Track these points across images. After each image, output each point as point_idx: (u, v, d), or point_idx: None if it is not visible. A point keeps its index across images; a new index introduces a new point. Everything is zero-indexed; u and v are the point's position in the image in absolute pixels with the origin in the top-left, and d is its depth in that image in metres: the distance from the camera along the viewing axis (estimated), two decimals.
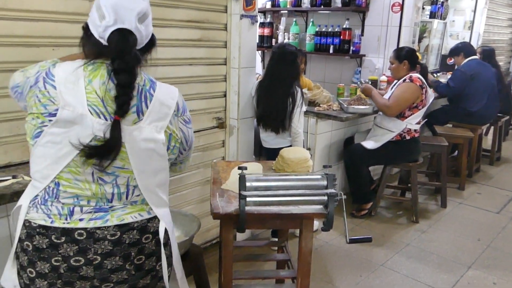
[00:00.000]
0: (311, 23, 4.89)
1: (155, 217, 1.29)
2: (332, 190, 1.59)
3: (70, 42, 1.98)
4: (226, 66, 2.81)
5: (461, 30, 6.50)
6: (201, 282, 1.86)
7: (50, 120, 1.16)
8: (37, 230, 1.18)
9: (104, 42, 1.20)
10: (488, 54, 4.86)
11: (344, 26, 4.65)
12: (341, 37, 4.69)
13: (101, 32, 1.20)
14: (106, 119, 1.18)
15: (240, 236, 3.04)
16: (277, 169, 2.00)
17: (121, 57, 1.18)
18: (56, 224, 1.18)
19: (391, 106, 3.36)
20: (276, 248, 2.62)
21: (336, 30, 4.73)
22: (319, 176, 1.64)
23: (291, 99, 2.82)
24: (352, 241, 1.66)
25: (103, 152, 1.17)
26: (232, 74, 2.81)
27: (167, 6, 2.36)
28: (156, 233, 1.29)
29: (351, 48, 4.67)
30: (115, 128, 1.17)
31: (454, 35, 6.48)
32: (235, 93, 2.83)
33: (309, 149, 3.44)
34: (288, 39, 5.10)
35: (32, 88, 1.20)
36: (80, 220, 1.20)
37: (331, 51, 4.76)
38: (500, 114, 5.02)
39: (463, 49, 4.71)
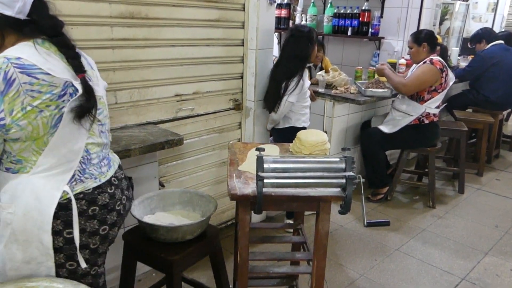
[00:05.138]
0: (329, 5, 4.79)
1: None
2: (351, 173, 1.56)
3: (86, 21, 1.98)
4: (243, 47, 2.78)
5: (484, 12, 6.30)
6: (217, 263, 1.87)
7: (63, 101, 1.21)
8: (95, 192, 1.33)
9: (23, 17, 1.19)
10: (507, 38, 4.67)
11: (363, 8, 4.55)
12: (360, 19, 4.59)
13: (20, 7, 1.18)
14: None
15: (255, 218, 3.06)
16: (294, 151, 1.99)
17: (57, 29, 1.26)
18: (103, 180, 1.36)
19: (408, 84, 3.30)
20: (291, 230, 2.63)
21: (355, 11, 4.62)
22: (337, 159, 1.62)
23: (285, 84, 2.76)
24: (370, 224, 1.65)
25: (88, 105, 1.28)
26: (249, 56, 2.78)
27: None
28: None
29: (370, 30, 4.57)
30: (84, 83, 1.27)
31: (477, 17, 6.29)
32: (252, 74, 2.80)
33: (325, 132, 3.41)
34: (306, 20, 5.01)
35: (8, 92, 1.13)
36: (107, 171, 1.40)
37: (349, 33, 4.67)
38: None
39: (484, 35, 4.58)
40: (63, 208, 1.25)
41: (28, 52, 1.18)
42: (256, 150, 1.58)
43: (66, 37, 1.28)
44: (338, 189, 1.63)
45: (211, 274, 1.95)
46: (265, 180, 1.54)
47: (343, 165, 1.59)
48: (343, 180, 1.57)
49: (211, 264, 1.87)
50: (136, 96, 2.29)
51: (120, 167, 1.51)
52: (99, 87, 1.38)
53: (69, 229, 1.27)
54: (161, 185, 2.38)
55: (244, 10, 2.70)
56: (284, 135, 2.88)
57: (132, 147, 1.94)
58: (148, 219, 1.79)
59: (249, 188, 1.61)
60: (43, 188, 1.24)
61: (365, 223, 1.63)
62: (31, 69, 1.15)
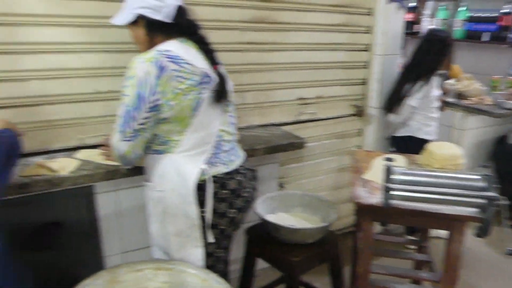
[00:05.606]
0: (463, 8, 4.42)
1: None
2: (493, 194, 1.42)
3: (220, 25, 2.12)
4: (368, 52, 2.71)
5: None
6: (335, 270, 1.84)
7: (203, 88, 1.39)
8: (225, 177, 1.45)
9: (169, 20, 1.39)
10: None
11: (503, 11, 4.10)
12: (499, 23, 4.15)
13: (167, 12, 1.38)
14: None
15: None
16: (423, 164, 1.87)
17: (195, 30, 1.45)
18: (232, 167, 1.49)
19: None
20: (411, 246, 2.48)
21: (492, 15, 4.19)
22: (476, 177, 1.48)
23: (409, 86, 2.60)
24: None
25: (223, 91, 1.45)
26: (375, 61, 2.70)
27: None
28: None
29: (511, 36, 4.10)
30: (218, 73, 1.45)
31: None
32: (376, 81, 2.71)
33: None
34: (434, 25, 4.69)
35: (161, 76, 1.31)
36: (235, 159, 1.52)
37: (484, 38, 4.25)
38: None
39: None
40: (199, 189, 1.39)
41: (174, 46, 1.37)
42: (384, 160, 1.53)
43: (203, 36, 1.46)
44: (475, 209, 1.49)
45: (325, 281, 1.92)
46: (393, 192, 1.48)
47: (482, 184, 1.45)
48: (482, 200, 1.43)
49: (329, 270, 1.85)
50: (261, 98, 2.36)
51: (246, 159, 1.61)
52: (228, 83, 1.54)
53: (203, 208, 1.41)
54: (281, 186, 2.42)
55: (371, 14, 2.63)
56: (403, 144, 2.74)
57: (257, 147, 2.01)
58: (270, 218, 1.83)
59: (375, 198, 1.56)
60: (184, 165, 1.40)
61: (508, 251, 1.46)
62: (177, 59, 1.34)
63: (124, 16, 1.41)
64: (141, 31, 1.42)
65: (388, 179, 1.48)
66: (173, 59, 1.33)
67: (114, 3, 1.75)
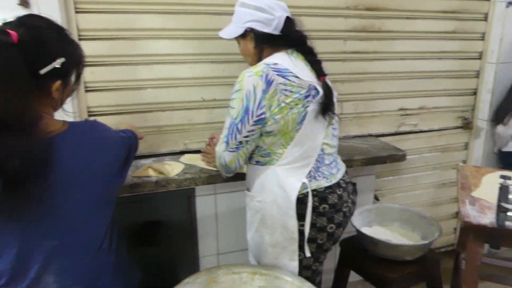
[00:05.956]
0: None
1: None
2: None
3: (323, 35, 2.12)
4: (480, 60, 2.52)
5: None
6: None
7: (308, 101, 1.36)
8: (326, 191, 1.42)
9: (277, 33, 1.39)
10: None
11: None
12: None
13: (276, 24, 1.38)
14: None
15: None
16: None
17: (303, 41, 1.43)
18: (333, 181, 1.45)
19: None
20: None
21: None
22: None
23: None
24: None
25: (329, 104, 1.41)
26: (487, 70, 2.51)
27: None
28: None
29: None
30: (325, 85, 1.41)
31: None
32: (488, 91, 2.51)
33: None
34: None
35: (268, 90, 1.31)
36: (336, 173, 1.48)
37: None
38: None
39: None
40: (299, 202, 1.38)
41: (282, 59, 1.37)
42: (500, 177, 1.41)
43: (310, 47, 1.45)
44: None
45: None
46: (509, 213, 1.36)
47: None
48: None
49: None
50: (360, 108, 2.32)
51: (346, 172, 1.57)
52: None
53: (302, 222, 1.40)
54: (376, 198, 2.35)
55: (486, 20, 2.45)
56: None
57: (355, 158, 1.97)
58: (366, 231, 1.78)
59: (486, 218, 1.44)
60: (286, 178, 1.39)
61: None
62: (285, 72, 1.34)
63: (233, 29, 1.45)
64: (249, 44, 1.44)
65: (504, 199, 1.36)
66: (281, 72, 1.32)
67: (223, 16, 1.86)
